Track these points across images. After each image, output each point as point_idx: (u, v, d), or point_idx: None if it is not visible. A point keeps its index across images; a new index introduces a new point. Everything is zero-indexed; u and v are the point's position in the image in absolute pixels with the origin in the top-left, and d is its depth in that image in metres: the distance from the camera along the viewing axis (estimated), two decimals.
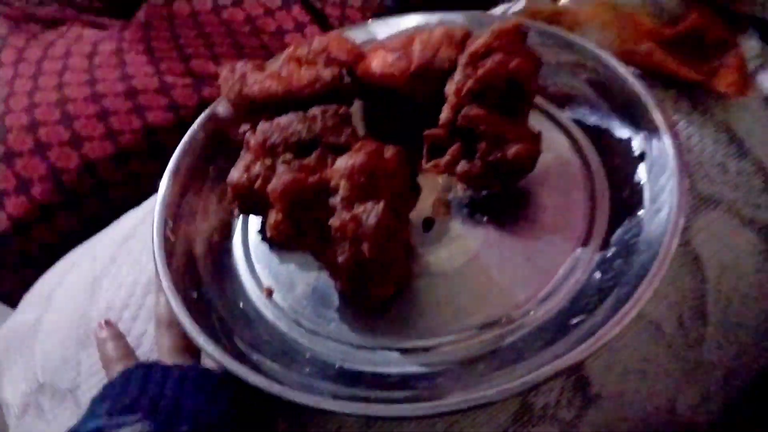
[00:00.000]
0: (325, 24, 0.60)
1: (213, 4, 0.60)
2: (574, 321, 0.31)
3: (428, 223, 0.37)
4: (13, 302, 0.50)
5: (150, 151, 0.51)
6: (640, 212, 0.33)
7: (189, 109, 0.52)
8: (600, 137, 0.37)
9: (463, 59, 0.35)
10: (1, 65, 0.55)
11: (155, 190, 0.41)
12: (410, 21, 0.45)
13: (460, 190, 0.37)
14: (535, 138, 0.35)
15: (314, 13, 0.60)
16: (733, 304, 0.40)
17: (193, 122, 0.51)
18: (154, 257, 0.34)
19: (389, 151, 0.35)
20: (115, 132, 0.50)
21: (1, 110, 0.51)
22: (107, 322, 0.36)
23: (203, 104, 0.53)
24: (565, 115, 0.39)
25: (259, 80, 0.38)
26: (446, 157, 0.36)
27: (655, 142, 0.34)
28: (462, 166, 0.35)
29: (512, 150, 0.33)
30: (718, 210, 0.38)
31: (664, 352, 0.38)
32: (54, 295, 0.41)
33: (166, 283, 0.33)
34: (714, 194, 0.39)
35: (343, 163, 0.33)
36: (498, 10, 0.51)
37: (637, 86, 0.36)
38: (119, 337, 0.35)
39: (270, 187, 0.33)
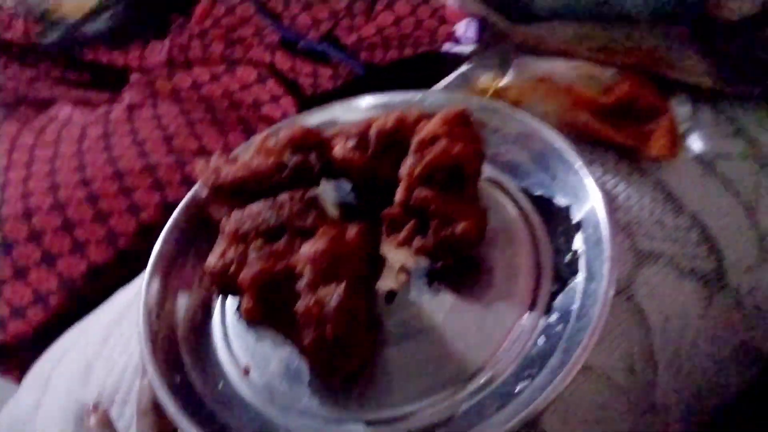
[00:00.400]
0: (298, 94, 0.64)
1: (192, 82, 0.64)
2: (523, 384, 0.34)
3: (390, 296, 0.40)
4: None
5: (138, 229, 0.54)
6: (579, 278, 0.36)
7: (173, 186, 0.56)
8: (544, 205, 0.41)
9: (413, 146, 0.39)
10: None
11: (144, 267, 0.45)
12: (368, 101, 0.49)
13: (418, 261, 0.41)
14: (481, 214, 0.38)
15: (288, 85, 0.64)
16: (682, 349, 0.43)
17: (176, 198, 0.55)
18: (141, 344, 0.38)
19: (352, 230, 0.39)
20: (104, 214, 0.54)
21: None
22: (95, 407, 0.39)
23: (186, 180, 0.56)
24: (513, 184, 0.43)
25: (231, 171, 0.42)
26: (403, 233, 0.39)
27: (590, 211, 0.38)
28: (417, 241, 0.38)
29: (459, 227, 0.37)
30: (659, 264, 0.42)
31: (618, 399, 0.41)
32: (51, 378, 0.44)
33: (151, 370, 0.36)
34: (654, 249, 0.42)
35: (307, 249, 0.37)
36: (455, 80, 0.55)
37: (573, 157, 0.40)
38: (107, 423, 0.38)
39: (241, 276, 0.36)
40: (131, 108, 0.62)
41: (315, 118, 0.49)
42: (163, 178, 0.56)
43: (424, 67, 0.69)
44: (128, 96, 0.63)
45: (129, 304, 0.47)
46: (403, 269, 0.41)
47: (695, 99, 0.45)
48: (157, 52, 0.66)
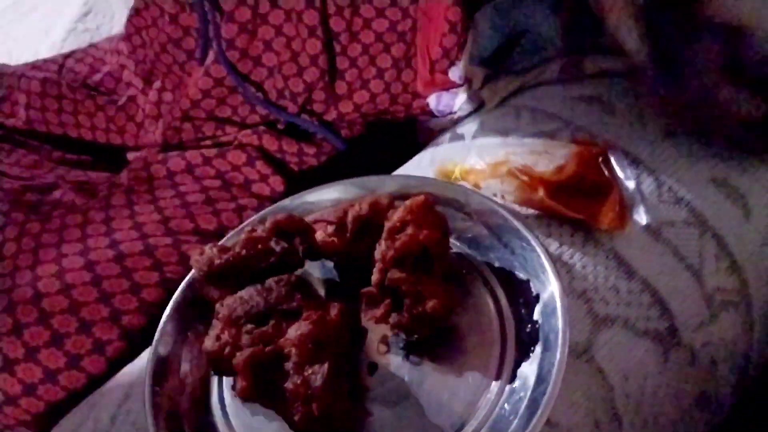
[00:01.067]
0: (285, 171, 0.69)
1: (186, 165, 0.69)
2: None
3: (372, 367, 0.44)
4: None
5: (140, 307, 0.58)
6: (538, 348, 0.40)
7: (170, 265, 0.60)
8: (506, 279, 0.45)
9: (384, 232, 0.44)
10: (6, 241, 0.63)
11: (147, 344, 0.49)
12: (339, 190, 0.53)
13: (396, 334, 0.45)
14: (449, 292, 0.42)
15: (275, 164, 0.69)
16: (644, 403, 0.47)
17: (174, 276, 0.59)
18: (147, 420, 0.42)
19: (333, 311, 0.43)
20: (108, 294, 0.58)
21: (8, 285, 0.58)
22: None
23: (183, 259, 0.61)
24: (479, 258, 0.47)
25: (223, 259, 0.46)
26: (380, 310, 0.43)
27: (546, 285, 0.42)
28: (393, 317, 0.43)
29: (429, 305, 0.41)
30: (615, 326, 0.46)
31: None
32: None
33: None
34: (610, 313, 0.46)
35: (293, 332, 0.41)
36: (424, 159, 0.60)
37: (527, 235, 0.44)
38: None
39: (234, 360, 0.40)
40: (129, 192, 0.66)
41: (295, 202, 0.54)
42: (162, 258, 0.60)
43: (401, 134, 0.74)
44: (126, 180, 0.68)
45: (134, 381, 0.51)
46: (383, 342, 0.45)
47: (639, 173, 0.50)
48: (152, 133, 0.71)
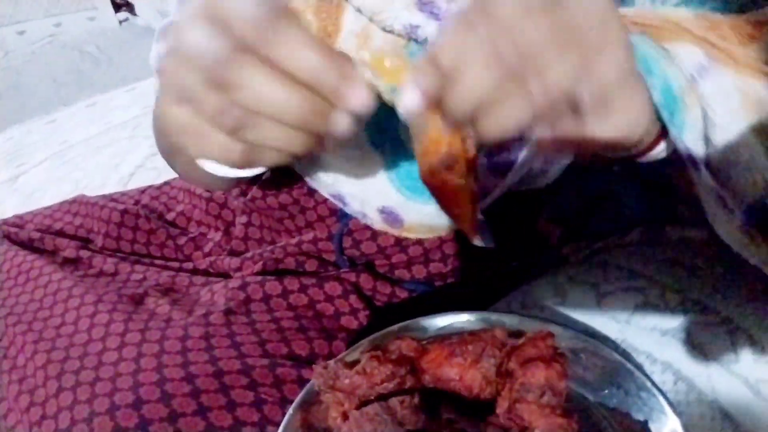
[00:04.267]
0: (374, 307, 0.73)
1: (282, 289, 0.73)
2: None
3: None
4: None
5: (233, 424, 0.59)
6: None
7: (266, 387, 0.62)
8: (621, 418, 0.47)
9: (511, 364, 0.47)
10: (106, 350, 0.65)
11: None
12: (456, 318, 0.57)
13: None
14: (575, 425, 0.44)
15: (366, 300, 0.73)
16: None
17: (268, 397, 0.61)
18: None
19: None
20: (205, 408, 0.59)
21: (110, 389, 0.60)
22: None
23: (277, 381, 0.63)
24: (592, 399, 0.50)
25: (349, 376, 0.49)
26: None
27: (665, 423, 0.44)
28: None
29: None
30: None
31: None
32: None
33: None
34: None
35: None
36: None
37: (642, 377, 0.47)
38: None
39: None
40: (228, 313, 0.70)
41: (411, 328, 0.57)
42: (258, 379, 0.62)
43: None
44: (224, 301, 0.72)
45: None
46: None
47: (732, 331, 0.54)
48: (250, 261, 0.76)
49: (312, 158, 0.67)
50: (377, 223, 0.69)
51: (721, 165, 0.45)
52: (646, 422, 0.46)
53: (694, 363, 0.52)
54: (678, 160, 0.47)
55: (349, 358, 0.52)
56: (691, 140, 0.45)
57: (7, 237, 0.87)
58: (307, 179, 0.71)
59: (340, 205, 0.70)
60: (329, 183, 0.68)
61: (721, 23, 0.45)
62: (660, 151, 0.47)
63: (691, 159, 0.46)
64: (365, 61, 0.59)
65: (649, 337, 0.54)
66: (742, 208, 0.45)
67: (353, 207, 0.69)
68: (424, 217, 0.67)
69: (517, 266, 0.75)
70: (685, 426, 0.48)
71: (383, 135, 0.63)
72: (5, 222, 0.93)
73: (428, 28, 0.56)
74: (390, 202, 0.66)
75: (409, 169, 0.64)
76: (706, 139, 0.45)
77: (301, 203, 0.77)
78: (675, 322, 0.55)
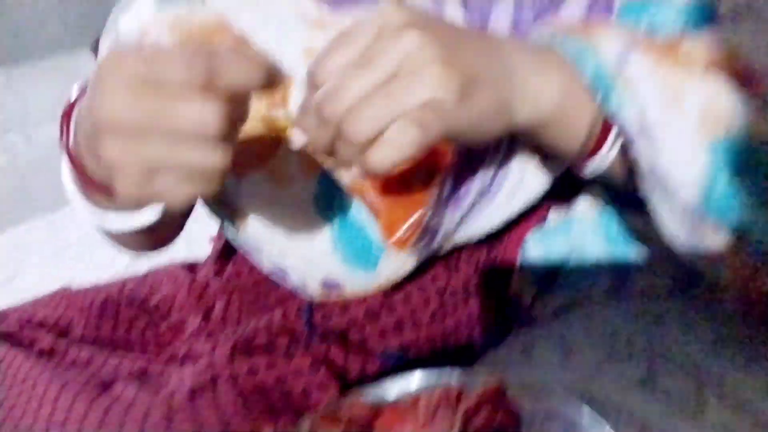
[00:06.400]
0: (345, 382, 0.71)
1: (249, 367, 0.71)
2: None
3: None
4: None
5: None
6: None
7: None
8: None
9: (459, 413, 0.45)
10: None
11: None
12: (414, 380, 0.55)
13: None
14: None
15: (336, 373, 0.70)
16: None
17: None
18: None
19: None
20: None
21: None
22: None
23: None
24: None
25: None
26: None
27: None
28: None
29: None
30: None
31: None
32: None
33: None
34: None
35: None
36: None
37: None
38: None
39: None
40: (194, 392, 0.68)
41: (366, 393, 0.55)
42: None
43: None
44: (190, 379, 0.70)
45: None
46: None
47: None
48: (222, 341, 0.75)
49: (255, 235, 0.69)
50: (317, 294, 0.71)
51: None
52: None
53: (661, 414, 0.49)
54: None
55: (305, 426, 0.50)
56: (630, 118, 0.48)
57: None
58: (253, 253, 0.71)
59: (279, 280, 0.72)
60: (274, 254, 0.69)
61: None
62: (609, 147, 0.50)
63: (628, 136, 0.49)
64: None
65: (614, 389, 0.52)
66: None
67: (293, 280, 0.71)
68: (366, 284, 0.69)
69: (489, 338, 0.73)
70: None
71: (330, 202, 0.64)
72: None
73: None
74: (333, 273, 0.68)
75: (354, 236, 0.65)
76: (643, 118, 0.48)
77: (273, 279, 0.77)
78: (641, 372, 0.53)
